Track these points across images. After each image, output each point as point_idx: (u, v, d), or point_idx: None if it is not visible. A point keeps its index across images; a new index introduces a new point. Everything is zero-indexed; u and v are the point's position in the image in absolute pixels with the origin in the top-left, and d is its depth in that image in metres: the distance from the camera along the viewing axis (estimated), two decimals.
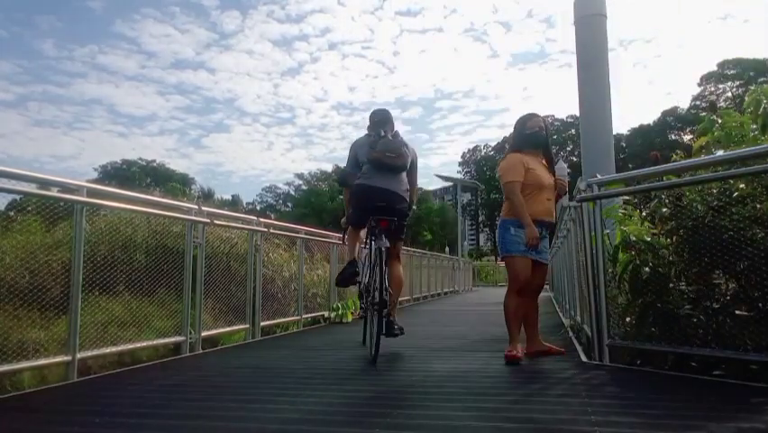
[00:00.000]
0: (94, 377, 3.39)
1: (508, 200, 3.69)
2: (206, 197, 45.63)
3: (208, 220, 4.64)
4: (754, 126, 3.66)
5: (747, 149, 3.19)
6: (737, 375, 2.86)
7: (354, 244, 4.24)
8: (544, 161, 3.82)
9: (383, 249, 3.68)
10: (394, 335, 3.85)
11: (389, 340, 3.84)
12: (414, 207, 4.27)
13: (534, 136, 3.79)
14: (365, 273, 4.11)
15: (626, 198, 3.87)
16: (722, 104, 41.23)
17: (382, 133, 4.03)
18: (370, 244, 3.89)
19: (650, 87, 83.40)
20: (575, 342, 4.47)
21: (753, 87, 3.89)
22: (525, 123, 3.82)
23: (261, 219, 5.74)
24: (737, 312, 2.93)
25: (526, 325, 3.80)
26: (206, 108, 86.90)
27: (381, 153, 3.88)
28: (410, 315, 8.35)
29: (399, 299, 4.29)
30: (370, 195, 3.90)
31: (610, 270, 3.57)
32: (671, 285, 3.26)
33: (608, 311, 3.48)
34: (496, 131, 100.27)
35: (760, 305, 2.82)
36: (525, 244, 3.59)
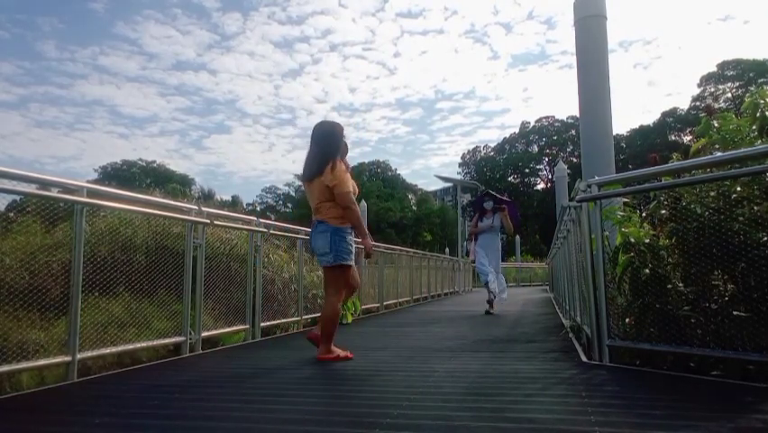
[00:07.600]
0: (94, 377, 3.40)
1: (347, 209, 3.86)
2: (206, 197, 45.58)
3: (208, 221, 4.65)
4: (754, 128, 3.67)
5: (745, 149, 3.20)
6: (735, 375, 2.87)
7: None
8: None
9: None
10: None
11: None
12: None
13: (346, 145, 4.12)
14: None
15: (626, 199, 3.88)
16: (722, 105, 41.28)
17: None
18: None
19: (650, 88, 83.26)
20: (575, 342, 4.47)
21: (752, 89, 3.91)
22: (341, 131, 4.02)
23: (261, 220, 5.74)
24: (735, 313, 2.94)
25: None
26: (207, 109, 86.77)
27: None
28: (410, 316, 8.35)
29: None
30: None
31: (610, 270, 3.58)
32: (669, 286, 3.27)
33: (607, 311, 3.49)
34: (496, 132, 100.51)
35: (759, 306, 2.83)
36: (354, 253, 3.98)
